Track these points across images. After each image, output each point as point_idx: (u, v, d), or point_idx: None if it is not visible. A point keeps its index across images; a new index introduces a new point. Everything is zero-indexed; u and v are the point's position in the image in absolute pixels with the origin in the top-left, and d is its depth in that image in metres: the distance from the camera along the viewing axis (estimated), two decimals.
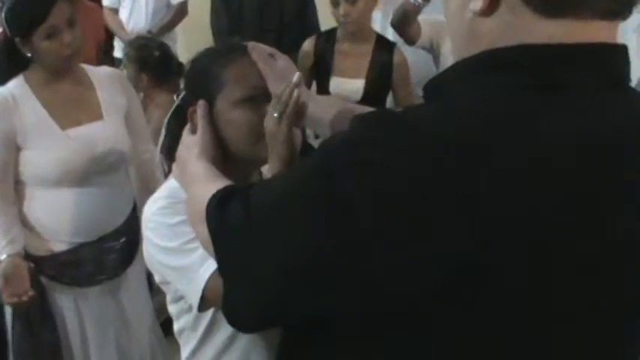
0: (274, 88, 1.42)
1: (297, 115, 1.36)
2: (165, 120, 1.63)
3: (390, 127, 0.83)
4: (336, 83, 3.25)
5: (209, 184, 1.15)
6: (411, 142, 0.80)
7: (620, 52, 0.89)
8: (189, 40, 4.59)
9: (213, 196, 1.05)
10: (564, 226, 0.80)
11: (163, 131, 1.64)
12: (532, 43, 0.83)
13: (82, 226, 2.31)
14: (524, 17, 0.84)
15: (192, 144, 1.38)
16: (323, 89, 3.30)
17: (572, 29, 0.83)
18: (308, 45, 3.38)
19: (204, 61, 1.53)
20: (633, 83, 3.05)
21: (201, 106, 1.44)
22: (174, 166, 1.44)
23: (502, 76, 0.85)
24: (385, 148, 0.81)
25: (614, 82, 0.88)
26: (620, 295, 0.88)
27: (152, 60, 3.32)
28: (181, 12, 4.70)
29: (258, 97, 1.45)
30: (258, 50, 1.48)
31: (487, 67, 0.87)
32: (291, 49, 3.51)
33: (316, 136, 2.60)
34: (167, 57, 3.41)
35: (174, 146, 1.49)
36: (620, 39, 2.84)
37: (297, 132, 1.40)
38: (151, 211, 1.48)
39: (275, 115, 1.35)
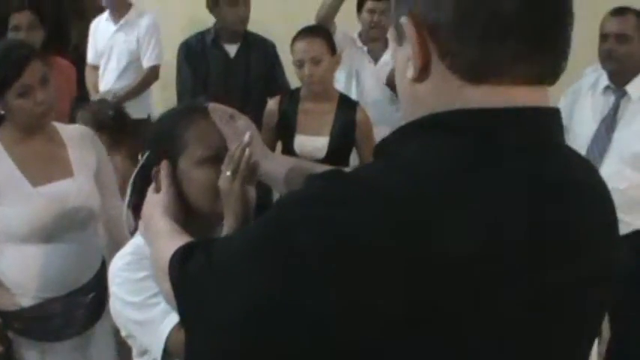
0: (234, 147, 1.49)
1: (250, 173, 1.44)
2: (131, 179, 1.68)
3: (340, 184, 0.88)
4: (300, 141, 3.31)
5: (172, 240, 1.19)
6: (356, 198, 0.84)
7: (550, 114, 0.93)
8: (165, 95, 4.61)
9: (176, 251, 1.09)
10: (493, 277, 0.83)
11: (129, 190, 1.69)
12: (465, 107, 0.88)
13: (51, 282, 2.32)
14: (453, 83, 0.89)
15: (156, 202, 1.44)
16: (287, 147, 3.36)
17: (500, 94, 0.88)
18: (272, 104, 3.45)
19: (167, 122, 1.62)
20: (588, 139, 3.18)
21: (164, 166, 1.51)
22: (140, 223, 1.49)
23: (440, 137, 0.89)
24: (334, 203, 0.85)
25: (544, 142, 0.92)
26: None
27: (107, 120, 3.32)
28: (152, 76, 4.64)
29: (218, 157, 1.51)
30: (219, 111, 1.55)
31: (426, 129, 0.91)
32: (257, 108, 3.62)
33: None
34: (122, 117, 3.42)
35: (139, 204, 1.55)
36: (577, 98, 2.98)
37: (251, 189, 1.48)
38: (117, 266, 1.54)
39: (228, 173, 1.43)
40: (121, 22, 4.70)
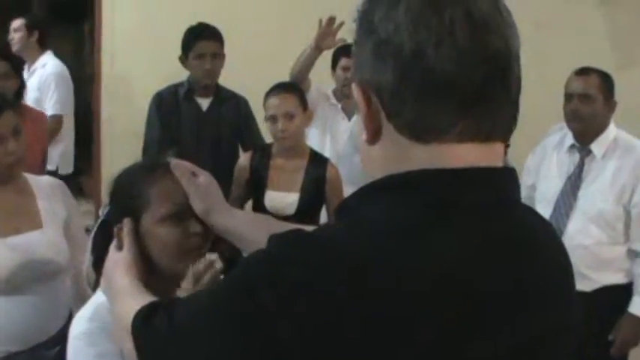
0: (196, 204, 1.51)
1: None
2: (92, 234, 1.68)
3: (300, 245, 0.89)
4: (270, 197, 3.32)
5: (134, 300, 1.19)
6: (316, 259, 0.85)
7: (499, 172, 0.95)
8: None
9: (139, 311, 1.09)
10: (454, 335, 0.84)
11: (89, 246, 1.68)
12: (417, 168, 0.90)
13: (16, 334, 2.29)
14: (402, 144, 0.92)
15: (118, 260, 1.43)
16: (258, 203, 3.37)
17: (447, 152, 0.90)
18: (244, 160, 3.47)
19: (129, 178, 1.60)
20: (555, 197, 3.23)
21: (127, 223, 1.51)
22: (101, 280, 1.48)
23: (393, 197, 0.91)
24: (295, 265, 0.86)
25: (496, 200, 0.93)
26: None
27: None
28: (53, 126, 4.46)
29: (181, 214, 1.52)
30: (181, 168, 1.55)
31: (382, 190, 0.93)
32: (228, 162, 3.62)
33: None
34: None
35: (100, 260, 1.55)
36: (543, 156, 3.04)
37: (218, 262, 1.51)
38: (74, 333, 1.52)
39: (189, 287, 1.45)
40: (32, 68, 4.76)
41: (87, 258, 1.66)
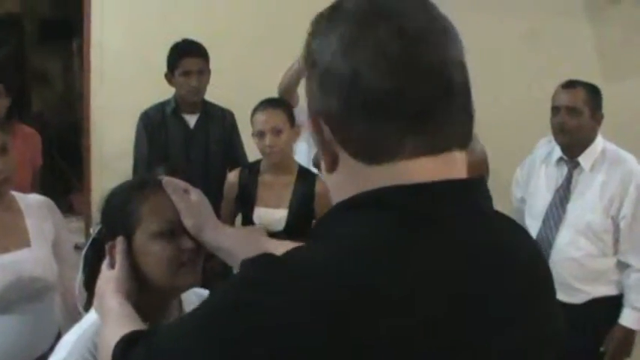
0: (188, 221, 1.52)
1: None
2: (83, 253, 1.68)
3: (272, 268, 0.88)
4: (259, 213, 3.32)
5: (119, 326, 1.22)
6: (289, 282, 0.85)
7: (464, 184, 0.94)
8: None
9: (120, 340, 1.11)
10: (425, 352, 0.84)
11: (81, 264, 1.68)
12: (376, 187, 0.90)
13: (5, 353, 2.28)
14: (358, 168, 0.93)
15: (109, 278, 1.45)
16: (247, 219, 3.37)
17: (402, 169, 0.90)
18: (232, 177, 3.46)
19: (121, 196, 1.61)
20: (544, 210, 3.25)
21: (120, 242, 1.52)
22: (94, 299, 1.49)
23: (359, 216, 0.91)
24: (266, 288, 0.85)
25: (466, 211, 0.93)
26: None
27: None
28: None
29: (174, 231, 1.53)
30: (173, 185, 1.56)
31: (348, 209, 0.93)
32: (218, 178, 3.62)
33: None
34: None
35: (91, 279, 1.55)
36: (532, 169, 3.06)
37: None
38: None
39: None
40: None
41: (78, 277, 1.66)
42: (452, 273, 0.88)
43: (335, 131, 0.93)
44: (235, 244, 1.52)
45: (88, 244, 1.66)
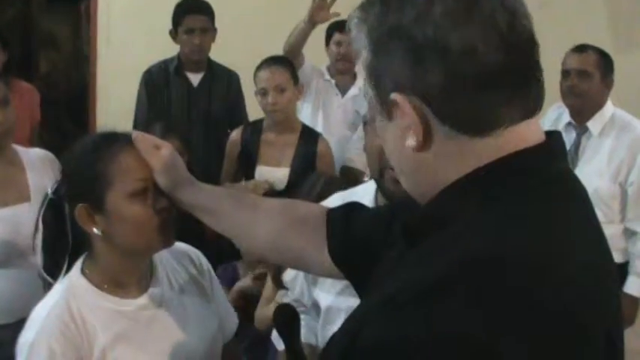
0: (161, 179, 1.44)
1: None
2: (39, 215, 1.56)
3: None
4: (261, 172, 3.30)
5: None
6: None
7: (558, 138, 0.97)
8: None
9: None
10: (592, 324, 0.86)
11: (40, 228, 1.56)
12: (488, 160, 0.90)
13: (1, 308, 2.28)
14: (461, 142, 0.90)
15: None
16: (249, 177, 3.35)
17: (508, 137, 0.90)
18: (235, 134, 3.44)
19: (86, 157, 1.49)
20: None
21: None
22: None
23: (498, 186, 0.90)
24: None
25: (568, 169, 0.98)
26: None
27: None
28: None
29: (148, 189, 1.45)
30: (144, 141, 1.48)
31: (474, 184, 0.91)
32: (219, 137, 3.60)
33: None
34: None
35: (53, 240, 1.51)
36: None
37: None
38: (20, 340, 1.50)
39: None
40: None
41: (38, 240, 1.56)
42: (588, 242, 0.92)
43: (436, 106, 0.90)
44: (213, 201, 1.46)
45: (45, 204, 1.56)
